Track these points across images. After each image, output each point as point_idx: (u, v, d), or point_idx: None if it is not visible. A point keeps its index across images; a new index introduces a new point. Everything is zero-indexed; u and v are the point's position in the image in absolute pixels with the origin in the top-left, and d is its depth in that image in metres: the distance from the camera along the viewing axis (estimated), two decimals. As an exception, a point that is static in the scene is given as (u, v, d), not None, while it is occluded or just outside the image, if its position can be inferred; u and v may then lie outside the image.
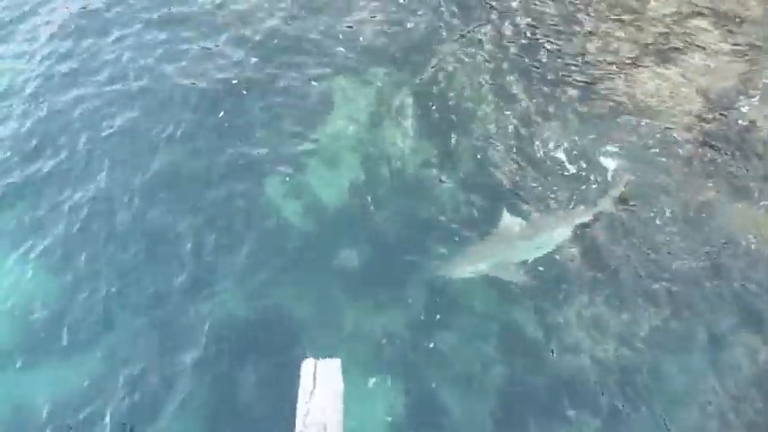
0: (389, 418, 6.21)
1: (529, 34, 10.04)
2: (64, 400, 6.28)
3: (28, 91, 9.25)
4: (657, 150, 8.47)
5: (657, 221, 7.69)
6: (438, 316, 6.89)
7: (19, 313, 6.95)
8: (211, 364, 6.48)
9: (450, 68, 9.49)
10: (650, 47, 9.83)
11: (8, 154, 8.45)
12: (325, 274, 7.20)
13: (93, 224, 7.67)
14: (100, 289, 7.07)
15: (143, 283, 7.12)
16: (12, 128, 8.76)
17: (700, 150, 8.48)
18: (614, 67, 9.53)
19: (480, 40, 9.94)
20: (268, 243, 7.47)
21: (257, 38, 9.99)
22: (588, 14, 10.39)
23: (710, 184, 8.10)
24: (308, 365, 3.93)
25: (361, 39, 10.00)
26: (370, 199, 7.92)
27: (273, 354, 6.56)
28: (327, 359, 4.00)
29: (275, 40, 9.96)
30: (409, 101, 9.06)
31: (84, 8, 10.59)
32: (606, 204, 7.79)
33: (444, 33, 10.08)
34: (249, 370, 6.44)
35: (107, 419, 6.11)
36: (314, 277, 7.18)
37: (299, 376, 3.94)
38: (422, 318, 6.87)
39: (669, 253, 7.40)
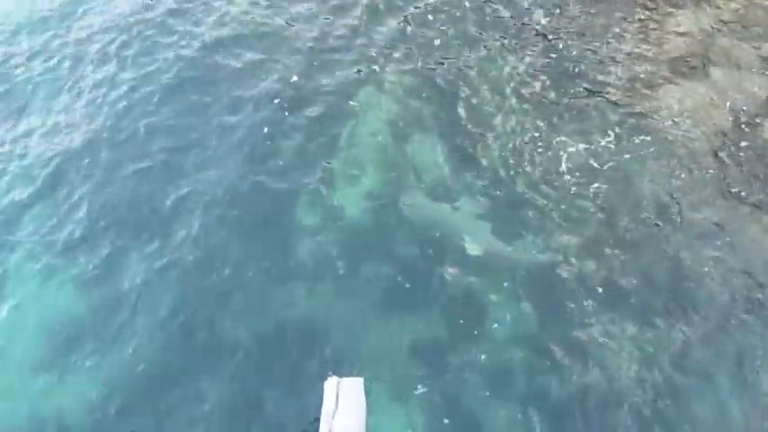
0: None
1: (554, 48, 10.02)
2: (90, 405, 6.42)
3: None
4: (683, 166, 8.36)
5: (684, 237, 7.58)
6: (462, 328, 6.89)
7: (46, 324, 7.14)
8: (234, 380, 6.54)
9: (472, 77, 9.52)
10: (676, 61, 9.72)
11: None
12: (347, 286, 7.25)
13: (129, 229, 7.88)
14: (128, 295, 7.24)
15: (168, 296, 7.23)
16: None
17: (727, 166, 8.35)
18: (640, 81, 9.45)
19: (504, 51, 9.95)
20: (291, 258, 7.54)
21: (288, 52, 10.21)
22: (614, 29, 10.33)
23: (738, 202, 7.96)
24: (331, 384, 3.98)
25: (385, 46, 10.11)
26: (392, 211, 7.96)
27: (295, 370, 6.56)
28: (350, 378, 4.04)
29: (306, 50, 10.14)
30: (431, 114, 9.12)
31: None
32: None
33: (468, 41, 10.15)
34: (271, 385, 6.46)
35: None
36: (336, 290, 7.23)
37: (321, 393, 3.98)
38: (446, 332, 6.88)
39: (695, 271, 7.28)
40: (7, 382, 6.76)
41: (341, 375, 4.08)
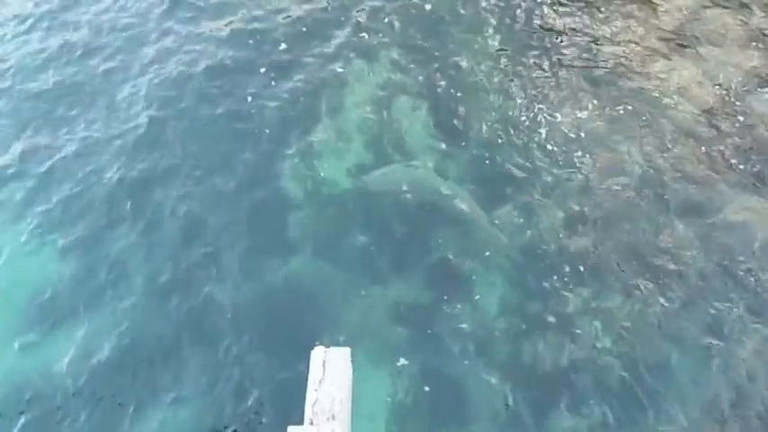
0: (395, 405, 6.22)
1: (543, 24, 9.95)
2: (74, 383, 6.29)
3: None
4: (671, 142, 8.39)
5: (669, 213, 7.64)
6: (445, 298, 6.90)
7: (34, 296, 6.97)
8: (219, 349, 6.49)
9: (463, 55, 9.43)
10: (666, 38, 9.71)
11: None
12: (330, 255, 7.22)
13: (116, 205, 7.71)
14: (109, 262, 7.13)
15: (152, 264, 7.14)
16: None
17: (715, 142, 8.39)
18: (629, 58, 9.42)
19: (494, 25, 9.86)
20: (275, 227, 7.47)
21: (279, 19, 9.97)
22: (604, 5, 10.25)
23: (724, 177, 8.02)
24: (317, 353, 3.90)
25: (377, 22, 9.95)
26: (377, 180, 7.90)
27: (281, 340, 6.57)
28: (337, 347, 3.98)
29: (296, 24, 9.95)
30: (422, 86, 9.04)
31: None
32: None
33: (458, 13, 10.03)
34: (257, 355, 6.44)
35: (114, 400, 6.17)
36: (319, 259, 7.20)
37: (306, 361, 3.93)
38: (429, 302, 6.89)
39: (679, 245, 7.34)
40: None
41: (327, 345, 3.99)
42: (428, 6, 10.16)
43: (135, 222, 7.51)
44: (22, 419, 6.05)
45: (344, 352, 3.96)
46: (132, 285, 6.97)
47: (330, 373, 3.84)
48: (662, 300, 6.91)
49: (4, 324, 6.74)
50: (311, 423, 3.65)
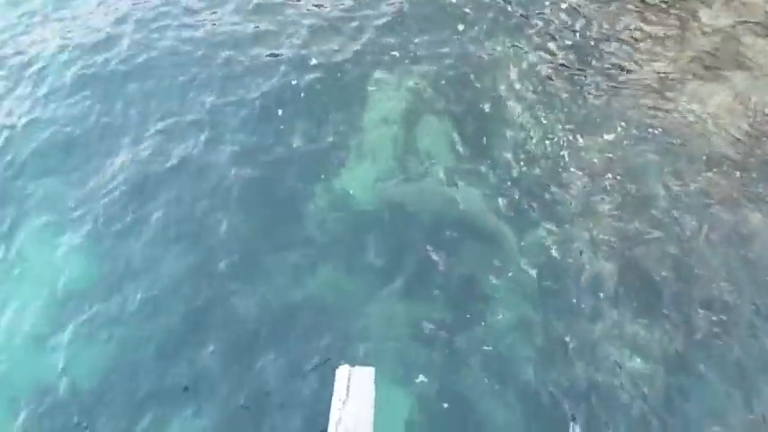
0: (413, 422, 6.21)
1: (574, 43, 9.90)
2: (87, 383, 6.40)
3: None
4: (702, 167, 8.27)
5: (699, 239, 7.53)
6: (468, 316, 6.87)
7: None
8: (239, 361, 6.53)
9: (491, 74, 9.42)
10: (697, 61, 9.59)
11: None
12: (354, 272, 7.24)
13: (137, 204, 7.82)
14: (132, 264, 7.22)
15: (171, 274, 7.19)
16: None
17: (747, 168, 8.26)
18: (660, 79, 9.33)
19: (525, 44, 9.85)
20: (297, 240, 7.50)
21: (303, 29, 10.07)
22: (636, 26, 10.18)
23: (758, 206, 7.88)
24: (342, 372, 3.94)
25: (404, 34, 10.00)
26: (401, 195, 7.94)
27: (301, 353, 6.59)
28: (361, 367, 4.02)
29: (328, 31, 10.04)
30: (448, 102, 9.04)
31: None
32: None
33: (490, 31, 10.05)
34: (277, 369, 6.46)
35: (132, 406, 6.24)
36: (341, 272, 7.23)
37: (326, 378, 3.97)
38: (450, 320, 6.86)
39: (708, 273, 7.24)
40: (12, 341, 6.77)
41: (351, 364, 4.03)
42: (460, 27, 10.17)
43: (155, 227, 7.61)
44: (39, 415, 6.20)
45: (369, 372, 4.00)
46: (151, 288, 7.05)
47: (354, 393, 3.88)
48: (688, 328, 6.82)
49: (24, 318, 6.88)
50: (335, 442, 3.69)
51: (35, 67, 9.55)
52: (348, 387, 3.88)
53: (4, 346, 6.72)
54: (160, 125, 8.73)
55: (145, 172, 8.17)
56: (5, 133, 8.71)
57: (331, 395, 4.03)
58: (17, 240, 7.55)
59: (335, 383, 3.93)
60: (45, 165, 8.32)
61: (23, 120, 8.85)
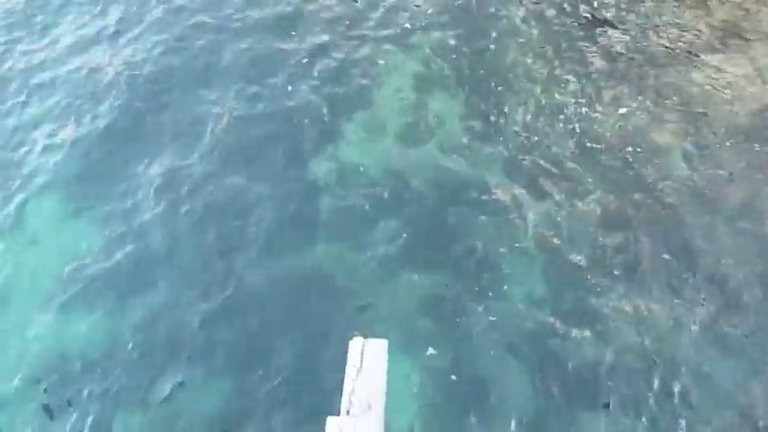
0: (422, 394, 6.21)
1: (589, 16, 9.66)
2: (102, 361, 6.39)
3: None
4: (719, 140, 8.12)
5: (714, 215, 7.42)
6: (476, 289, 6.84)
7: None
8: (250, 333, 6.52)
9: (503, 45, 9.25)
10: (716, 32, 9.36)
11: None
12: (364, 244, 7.18)
13: (154, 193, 7.75)
14: (148, 250, 7.17)
15: (183, 248, 7.18)
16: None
17: (763, 145, 8.09)
18: (677, 50, 9.13)
19: (537, 19, 9.61)
20: (307, 212, 7.47)
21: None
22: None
23: (770, 183, 7.77)
24: (356, 344, 3.90)
25: (415, 10, 9.80)
26: (411, 169, 7.85)
27: (310, 325, 6.59)
28: (375, 339, 3.97)
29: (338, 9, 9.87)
30: (459, 75, 8.89)
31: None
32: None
33: (500, 8, 9.77)
34: (287, 341, 6.45)
35: (144, 378, 6.26)
36: (351, 244, 7.19)
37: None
38: (459, 292, 6.84)
39: (722, 249, 7.15)
40: (20, 316, 6.75)
41: (364, 336, 3.99)
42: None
43: (168, 207, 7.57)
44: (54, 393, 6.21)
45: (382, 344, 3.95)
46: (161, 261, 7.06)
47: (367, 365, 3.84)
48: (700, 304, 6.75)
49: (39, 298, 6.87)
50: (348, 413, 3.66)
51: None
52: (361, 358, 3.84)
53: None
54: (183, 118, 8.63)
55: (154, 141, 8.14)
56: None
57: (344, 366, 3.99)
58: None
59: (349, 355, 3.88)
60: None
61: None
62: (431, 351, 6.40)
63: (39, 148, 8.21)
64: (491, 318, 6.65)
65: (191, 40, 9.50)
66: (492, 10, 9.71)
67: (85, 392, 6.15)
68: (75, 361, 6.36)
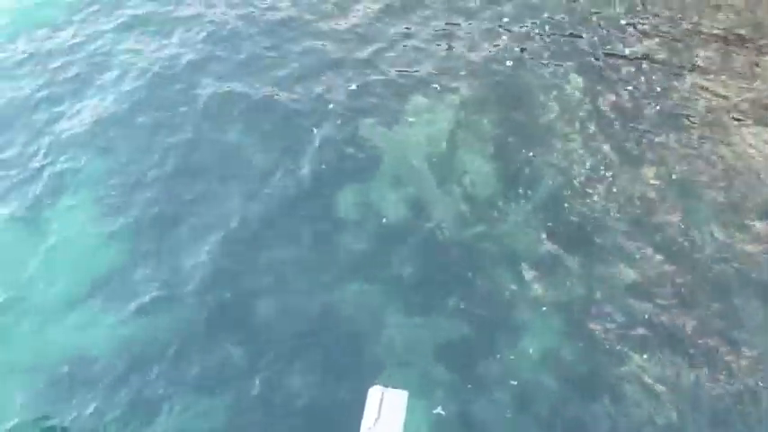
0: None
1: (632, 75, 9.69)
2: (114, 376, 6.46)
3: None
4: (752, 218, 8.01)
5: (745, 291, 7.27)
6: (495, 345, 6.77)
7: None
8: (269, 376, 6.49)
9: (538, 94, 9.31)
10: (758, 104, 9.31)
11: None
12: (383, 288, 7.18)
13: (174, 197, 7.98)
14: (163, 261, 7.32)
15: (201, 269, 7.25)
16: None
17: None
18: (718, 119, 9.08)
19: (580, 72, 9.69)
20: (329, 252, 7.50)
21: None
22: (699, 63, 9.93)
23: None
24: (375, 393, 3.89)
25: (445, 53, 9.98)
26: (435, 219, 7.85)
27: (320, 365, 6.57)
28: (395, 389, 3.96)
29: (368, 54, 10.01)
30: (490, 127, 8.93)
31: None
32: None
33: (538, 59, 9.90)
34: (308, 384, 6.41)
35: (156, 397, 6.28)
36: (371, 290, 7.17)
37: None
38: (477, 346, 6.78)
39: (750, 330, 6.99)
40: (42, 315, 6.90)
41: (385, 385, 3.98)
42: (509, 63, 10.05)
43: (187, 228, 7.72)
44: (72, 392, 6.32)
45: (401, 395, 3.94)
46: (180, 290, 7.13)
47: (385, 415, 3.82)
48: (727, 379, 6.60)
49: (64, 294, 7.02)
50: (362, 463, 3.64)
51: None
52: (380, 408, 3.83)
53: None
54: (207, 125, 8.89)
55: (180, 164, 8.36)
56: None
57: (359, 412, 3.99)
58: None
59: (367, 403, 3.87)
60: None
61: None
62: (439, 410, 6.29)
63: (69, 149, 8.49)
64: (507, 376, 6.55)
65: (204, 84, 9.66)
66: (531, 67, 9.78)
67: (96, 402, 6.22)
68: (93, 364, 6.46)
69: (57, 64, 9.66)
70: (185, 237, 7.60)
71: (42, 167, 8.27)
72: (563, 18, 10.65)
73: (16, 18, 10.42)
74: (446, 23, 10.57)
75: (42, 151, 8.44)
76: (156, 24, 10.37)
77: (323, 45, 10.11)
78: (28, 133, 8.67)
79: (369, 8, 10.79)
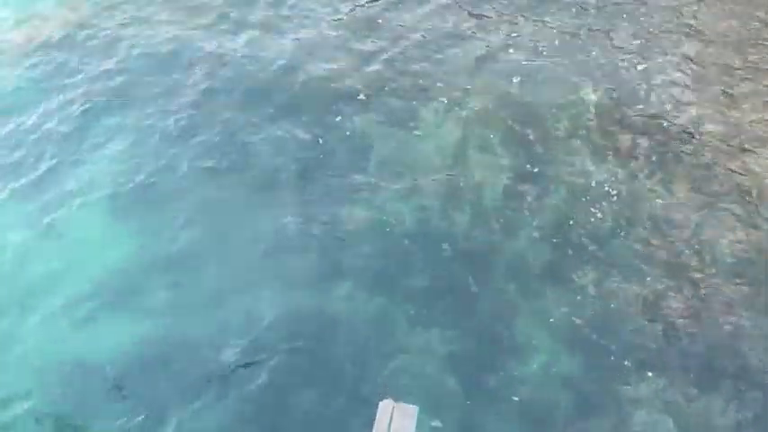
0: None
1: (640, 97, 9.60)
2: (118, 378, 6.46)
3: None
4: (765, 232, 7.89)
5: (756, 317, 7.15)
6: (502, 361, 6.71)
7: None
8: (276, 384, 6.47)
9: (552, 114, 9.25)
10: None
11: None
12: (390, 299, 7.14)
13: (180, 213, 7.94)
14: (172, 278, 7.29)
15: (207, 289, 7.24)
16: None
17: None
18: (735, 143, 8.97)
19: (584, 90, 9.63)
20: (334, 260, 7.49)
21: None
22: (717, 88, 9.80)
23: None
24: (385, 407, 3.82)
25: (454, 66, 9.97)
26: (443, 232, 7.82)
27: (321, 378, 6.52)
28: (405, 404, 3.89)
29: (378, 65, 10.02)
30: (502, 137, 8.91)
31: None
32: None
33: (553, 79, 9.86)
34: (315, 396, 6.35)
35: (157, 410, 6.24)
36: (377, 300, 7.14)
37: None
38: (484, 362, 6.72)
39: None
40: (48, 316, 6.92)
41: (396, 399, 3.92)
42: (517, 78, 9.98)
43: (198, 235, 7.75)
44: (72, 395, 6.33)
45: (411, 410, 3.88)
46: (187, 294, 7.17)
47: (395, 429, 3.75)
48: (736, 404, 6.49)
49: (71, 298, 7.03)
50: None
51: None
52: (390, 422, 3.76)
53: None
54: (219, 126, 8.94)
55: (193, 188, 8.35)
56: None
57: (368, 424, 3.92)
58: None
59: (377, 416, 3.80)
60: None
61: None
62: (437, 423, 6.11)
63: (83, 156, 8.55)
64: (513, 394, 6.48)
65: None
66: (545, 87, 9.71)
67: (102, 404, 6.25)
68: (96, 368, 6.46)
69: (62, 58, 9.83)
70: (196, 240, 7.62)
71: (48, 168, 8.33)
72: (574, 33, 10.62)
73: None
74: (457, 36, 10.55)
75: (48, 151, 8.51)
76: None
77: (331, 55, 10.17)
78: (35, 131, 8.73)
79: (379, 18, 10.81)
